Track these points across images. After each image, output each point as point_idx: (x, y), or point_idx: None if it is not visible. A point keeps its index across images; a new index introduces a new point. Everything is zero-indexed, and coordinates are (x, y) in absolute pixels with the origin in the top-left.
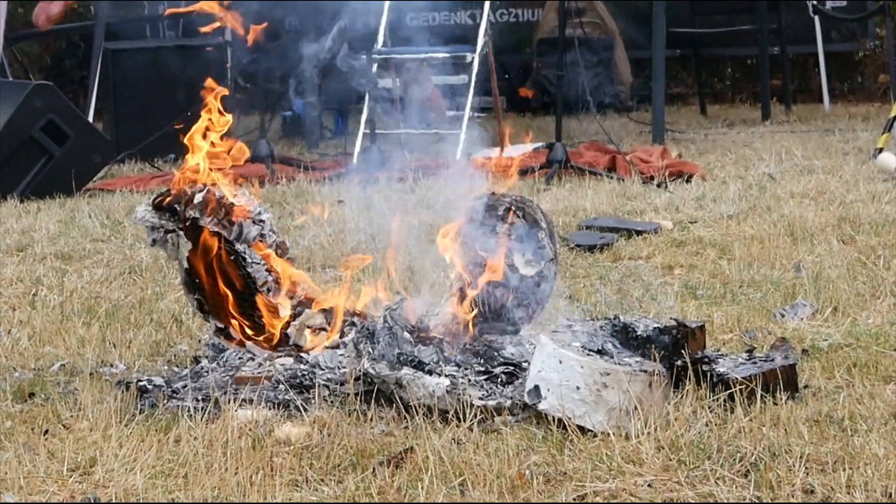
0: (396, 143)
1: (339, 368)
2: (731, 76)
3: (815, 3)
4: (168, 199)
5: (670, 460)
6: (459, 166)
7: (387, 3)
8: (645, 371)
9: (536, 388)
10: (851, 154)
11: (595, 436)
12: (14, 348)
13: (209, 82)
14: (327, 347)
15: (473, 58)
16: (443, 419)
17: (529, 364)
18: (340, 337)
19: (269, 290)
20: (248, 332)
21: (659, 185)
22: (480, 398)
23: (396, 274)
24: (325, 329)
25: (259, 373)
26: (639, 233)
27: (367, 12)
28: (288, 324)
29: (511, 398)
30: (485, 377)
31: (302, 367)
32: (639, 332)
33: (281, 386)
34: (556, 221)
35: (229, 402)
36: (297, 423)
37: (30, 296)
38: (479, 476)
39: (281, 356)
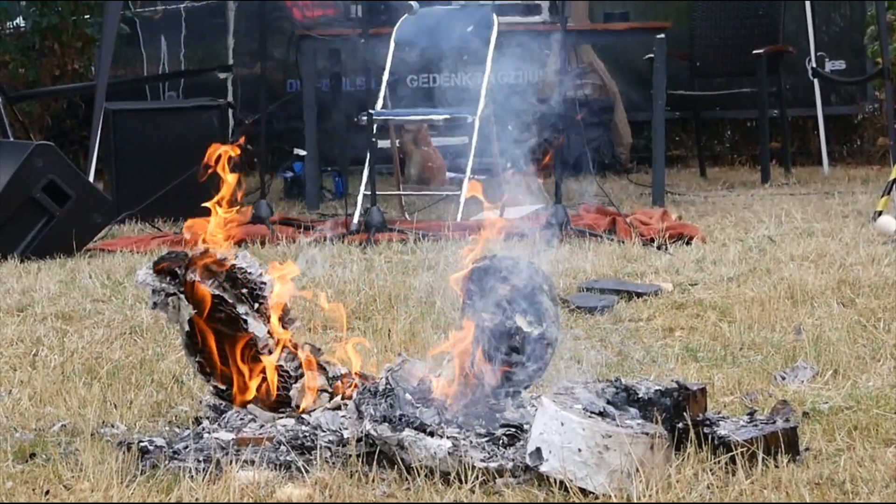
0: (397, 204)
1: (340, 430)
2: (730, 138)
3: (814, 66)
4: (168, 263)
5: None
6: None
7: (387, 65)
8: (646, 433)
9: (538, 450)
10: (851, 217)
11: (597, 498)
12: (15, 408)
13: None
14: (329, 409)
15: (474, 119)
16: (444, 481)
17: (531, 426)
18: (342, 398)
19: (269, 352)
20: (249, 393)
21: (659, 248)
22: (482, 460)
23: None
24: (326, 390)
25: (260, 434)
26: (639, 295)
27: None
28: (290, 385)
29: (513, 460)
30: (486, 439)
31: (303, 428)
32: (640, 395)
33: (282, 447)
34: (556, 283)
35: (231, 463)
36: (299, 484)
37: (30, 356)
38: None
39: (282, 417)
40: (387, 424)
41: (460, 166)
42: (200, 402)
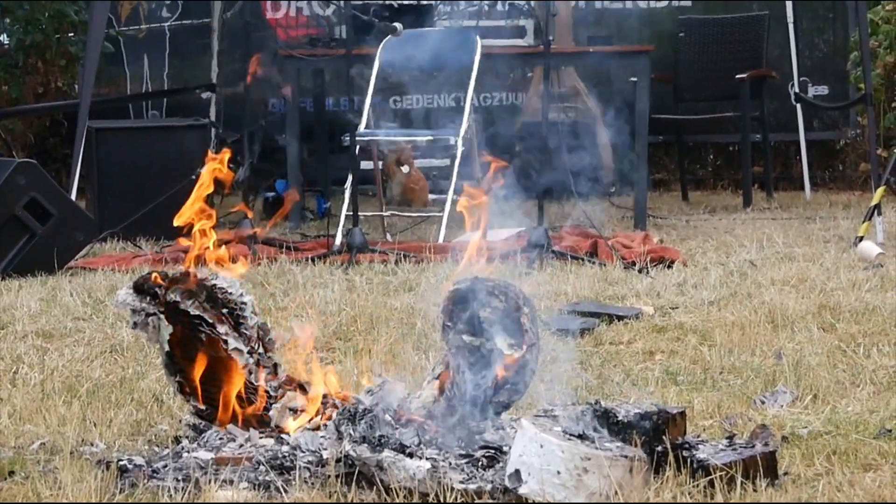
0: (379, 225)
1: (319, 450)
2: (713, 163)
3: (797, 91)
4: (148, 282)
5: None
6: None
7: (371, 86)
8: (626, 456)
9: (517, 472)
10: (832, 242)
11: None
12: None
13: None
14: (308, 429)
15: (457, 141)
16: (423, 502)
17: (510, 448)
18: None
19: (250, 373)
20: (229, 413)
21: (640, 271)
22: (461, 482)
23: (378, 356)
24: (305, 411)
25: (240, 454)
26: (620, 318)
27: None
28: (270, 405)
29: (492, 482)
30: (466, 461)
31: (283, 448)
32: (620, 418)
33: (262, 467)
34: (537, 306)
35: (210, 483)
36: None
37: (10, 374)
38: None
39: (262, 437)
40: (366, 445)
41: (443, 187)
42: (180, 421)
